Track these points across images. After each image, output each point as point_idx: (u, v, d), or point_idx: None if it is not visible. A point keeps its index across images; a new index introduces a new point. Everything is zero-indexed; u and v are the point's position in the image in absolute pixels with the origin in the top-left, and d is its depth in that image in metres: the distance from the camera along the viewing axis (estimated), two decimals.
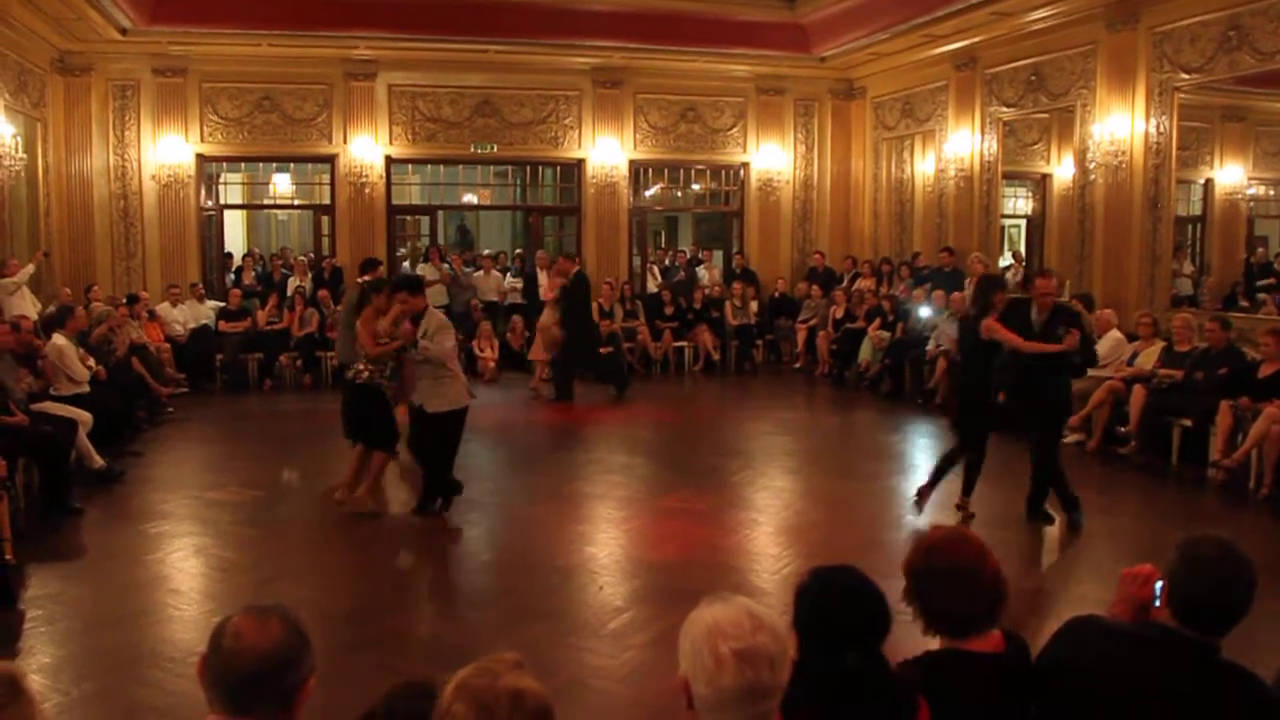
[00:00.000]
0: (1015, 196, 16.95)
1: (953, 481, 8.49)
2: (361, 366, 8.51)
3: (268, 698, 2.25)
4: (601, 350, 15.88)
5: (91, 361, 11.03)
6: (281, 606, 2.35)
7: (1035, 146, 15.71)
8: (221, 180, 18.07)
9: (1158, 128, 12.33)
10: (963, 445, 8.45)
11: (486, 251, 20.12)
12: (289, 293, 16.30)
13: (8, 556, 6.93)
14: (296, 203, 20.66)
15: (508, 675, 2.01)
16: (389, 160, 17.32)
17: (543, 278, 17.18)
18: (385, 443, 8.59)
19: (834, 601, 2.62)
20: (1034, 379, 8.12)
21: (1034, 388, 8.16)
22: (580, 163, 18.00)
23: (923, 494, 8.54)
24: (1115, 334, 11.66)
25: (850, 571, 2.72)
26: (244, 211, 22.22)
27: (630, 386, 14.92)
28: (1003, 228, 16.38)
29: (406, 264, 18.72)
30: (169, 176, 16.32)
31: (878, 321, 15.57)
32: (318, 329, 15.53)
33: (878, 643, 2.60)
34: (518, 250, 20.44)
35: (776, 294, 18.15)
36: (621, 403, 14.42)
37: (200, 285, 16.18)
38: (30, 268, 13.12)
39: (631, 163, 18.15)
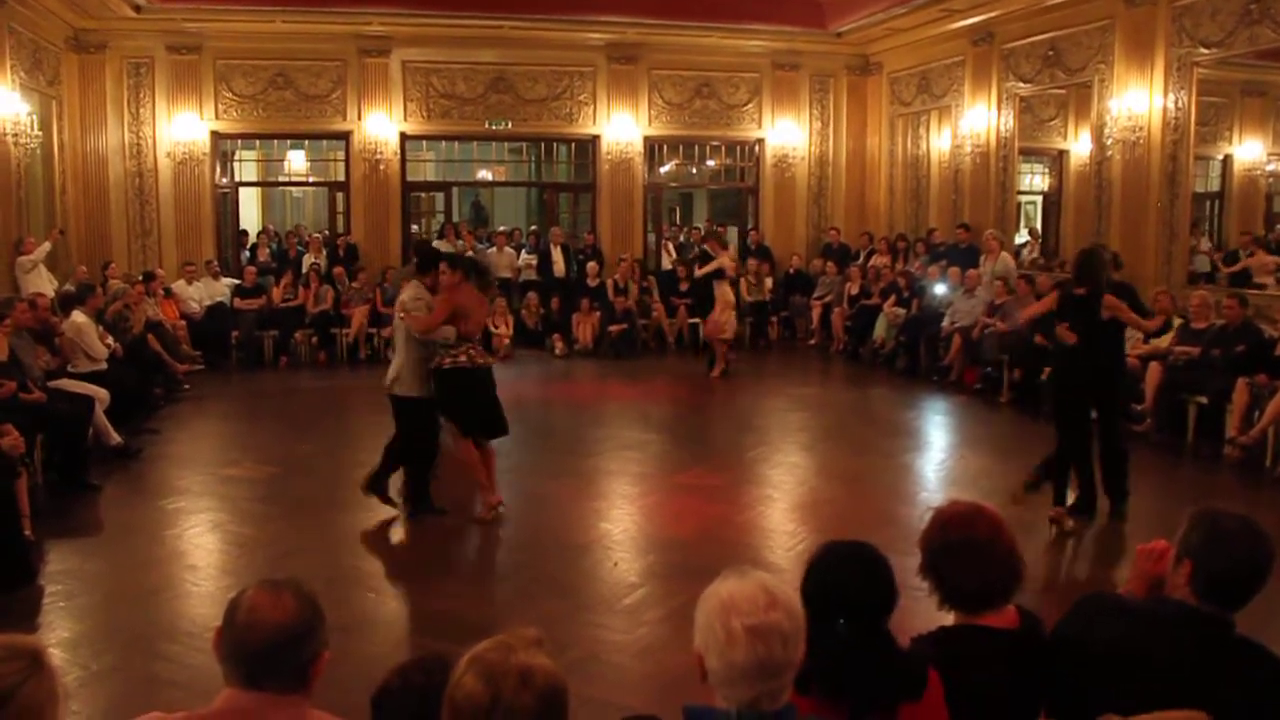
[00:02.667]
0: (1032, 173, 16.86)
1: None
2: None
3: (282, 671, 2.27)
4: (614, 328, 15.91)
5: (110, 339, 11.09)
6: (296, 580, 2.37)
7: (1052, 122, 15.62)
8: (236, 157, 18.10)
9: (1176, 103, 12.22)
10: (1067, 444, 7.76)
11: (501, 228, 20.10)
12: (304, 270, 16.33)
13: (26, 533, 6.99)
14: (311, 180, 20.65)
15: (522, 652, 2.02)
16: (403, 137, 17.31)
17: (557, 254, 17.27)
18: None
19: (835, 574, 2.64)
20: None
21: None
22: (595, 139, 17.95)
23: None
24: None
25: (859, 545, 2.73)
26: (259, 189, 22.19)
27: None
28: (1019, 204, 16.30)
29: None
30: (184, 154, 16.34)
31: (893, 298, 15.53)
32: (333, 306, 15.56)
33: (881, 616, 2.60)
34: (532, 227, 20.41)
35: (791, 270, 18.11)
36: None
37: (215, 262, 16.21)
38: (46, 246, 13.17)
39: (646, 139, 18.10)
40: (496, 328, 16.07)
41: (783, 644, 2.16)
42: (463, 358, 7.62)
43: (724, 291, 14.24)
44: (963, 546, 2.77)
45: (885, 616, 2.61)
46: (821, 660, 2.44)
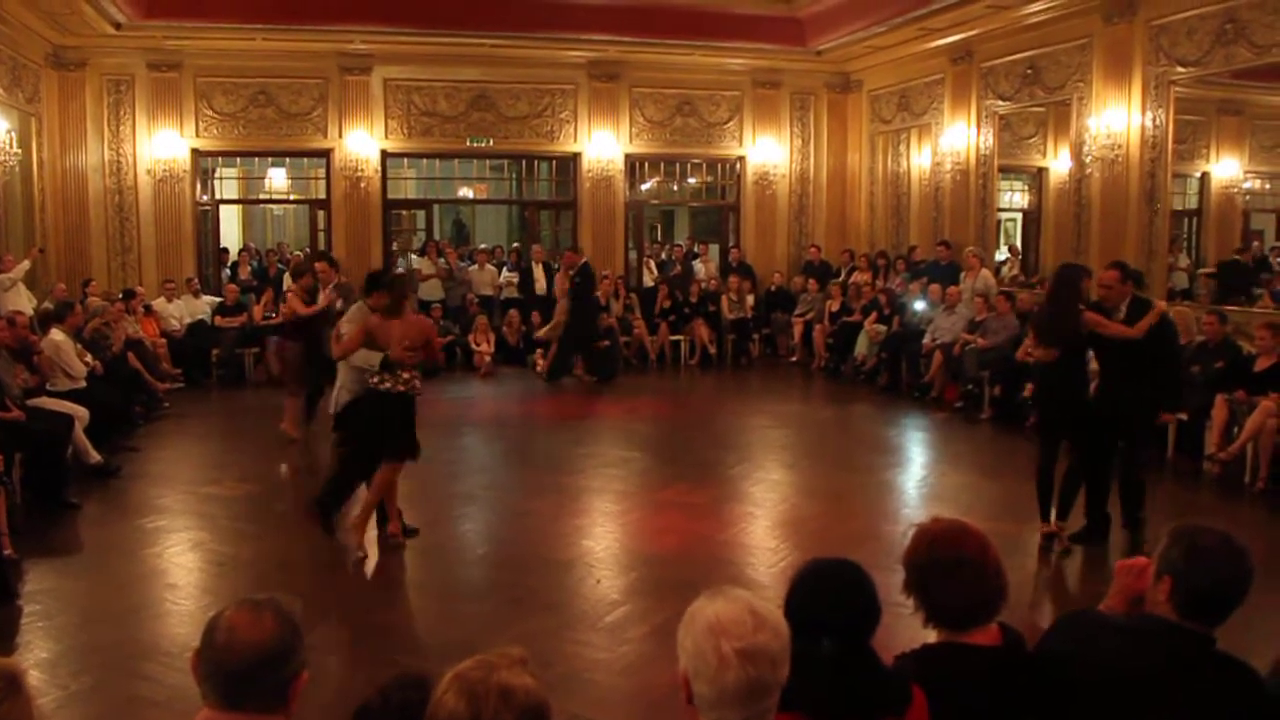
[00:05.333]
0: (1011, 190, 16.96)
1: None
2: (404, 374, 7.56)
3: (262, 691, 2.25)
4: (598, 344, 15.88)
5: (89, 357, 11.03)
6: (275, 599, 2.35)
7: (1031, 140, 15.72)
8: (217, 175, 18.04)
9: (1154, 121, 12.33)
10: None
11: (482, 246, 20.11)
12: (284, 287, 16.25)
13: (7, 551, 6.94)
14: (292, 197, 20.65)
15: (504, 670, 2.02)
16: (385, 154, 17.29)
17: (539, 271, 17.39)
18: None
19: (819, 592, 2.61)
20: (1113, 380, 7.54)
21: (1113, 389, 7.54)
22: (576, 156, 17.97)
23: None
24: None
25: (842, 563, 2.70)
26: (239, 206, 22.19)
27: (615, 378, 15.34)
28: (999, 221, 16.40)
29: (401, 258, 18.74)
30: (164, 171, 16.29)
31: (874, 315, 15.57)
32: None
33: (864, 634, 2.59)
34: (514, 244, 20.44)
35: (773, 288, 18.15)
36: (604, 388, 14.90)
37: (196, 280, 16.16)
38: (26, 264, 13.10)
39: (627, 156, 18.12)
40: (478, 345, 16.07)
41: (772, 665, 2.15)
42: (386, 384, 7.33)
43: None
44: (951, 565, 2.76)
45: (869, 634, 2.61)
46: (805, 678, 2.43)
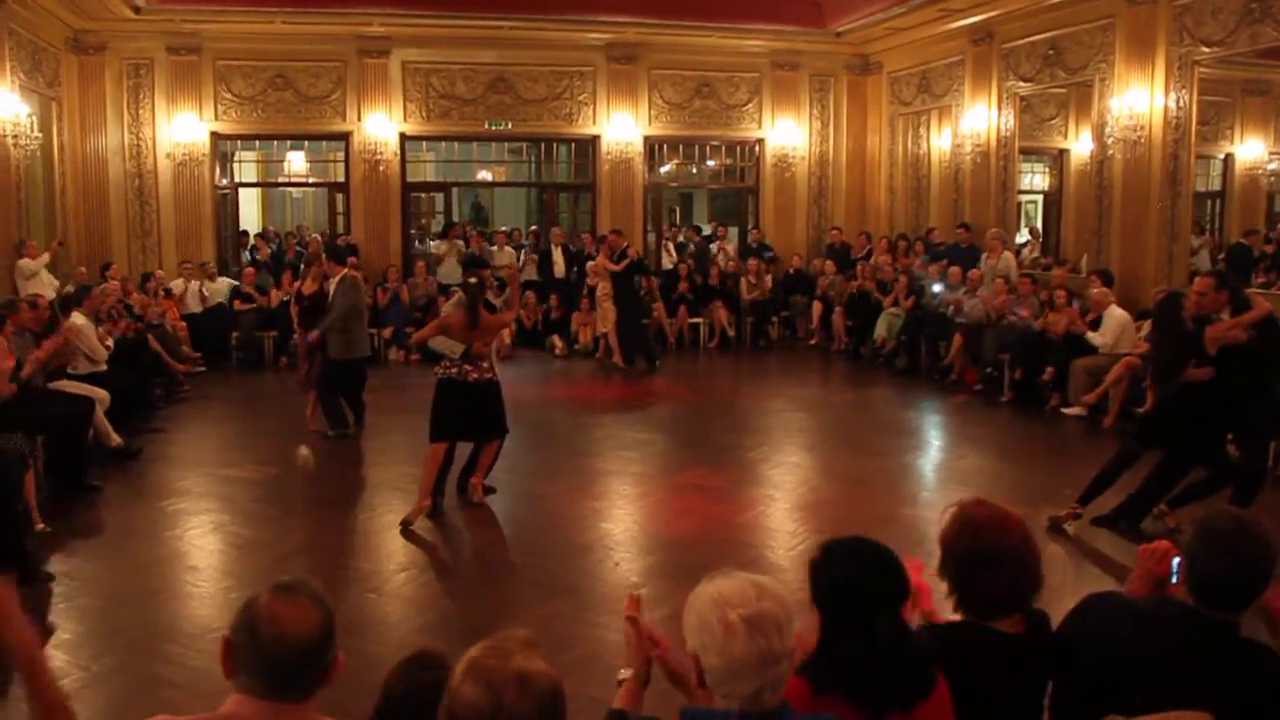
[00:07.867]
0: (1032, 172, 16.87)
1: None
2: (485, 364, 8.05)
3: (308, 679, 2.25)
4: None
5: (110, 340, 11.08)
6: (306, 584, 2.32)
7: (1052, 121, 15.61)
8: (236, 158, 18.10)
9: (1177, 102, 12.20)
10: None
11: (501, 228, 20.11)
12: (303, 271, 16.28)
13: (39, 525, 7.05)
14: (311, 180, 20.69)
15: (518, 656, 2.01)
16: (403, 137, 17.29)
17: (557, 254, 17.38)
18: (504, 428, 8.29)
19: (859, 568, 2.58)
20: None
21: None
22: (595, 139, 17.93)
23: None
24: (1116, 311, 11.63)
25: (863, 540, 2.68)
26: (259, 189, 22.25)
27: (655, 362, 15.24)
28: (1019, 204, 16.29)
29: (418, 241, 18.75)
30: (184, 155, 16.33)
31: (892, 296, 15.50)
32: None
33: (899, 610, 2.57)
34: (532, 227, 20.44)
35: (792, 270, 18.09)
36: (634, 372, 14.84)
37: (211, 264, 16.18)
38: (46, 256, 13.14)
39: (646, 139, 18.06)
40: None
41: (779, 632, 2.17)
42: (453, 370, 7.89)
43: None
44: (993, 557, 2.73)
45: (901, 609, 2.59)
46: (852, 661, 2.42)
